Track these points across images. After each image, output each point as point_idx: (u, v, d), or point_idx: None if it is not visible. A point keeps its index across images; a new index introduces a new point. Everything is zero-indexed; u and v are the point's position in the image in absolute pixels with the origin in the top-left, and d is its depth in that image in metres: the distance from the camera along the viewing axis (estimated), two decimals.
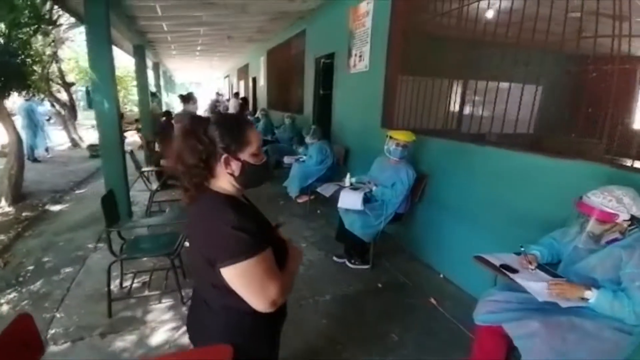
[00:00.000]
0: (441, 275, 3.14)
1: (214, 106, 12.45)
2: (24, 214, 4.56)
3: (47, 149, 8.39)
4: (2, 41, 4.06)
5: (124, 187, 4.31)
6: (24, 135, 6.75)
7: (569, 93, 4.01)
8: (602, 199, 1.53)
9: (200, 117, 1.07)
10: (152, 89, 10.76)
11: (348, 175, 3.40)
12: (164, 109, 9.37)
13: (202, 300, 1.13)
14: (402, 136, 3.05)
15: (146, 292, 2.61)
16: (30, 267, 3.19)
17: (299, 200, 4.96)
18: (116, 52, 7.49)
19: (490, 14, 3.66)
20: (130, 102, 14.01)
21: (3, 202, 4.76)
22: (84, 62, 11.43)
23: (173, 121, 4.63)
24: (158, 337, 2.25)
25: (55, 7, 4.67)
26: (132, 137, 9.61)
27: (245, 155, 1.04)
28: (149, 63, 9.60)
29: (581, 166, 2.09)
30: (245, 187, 1.09)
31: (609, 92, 3.11)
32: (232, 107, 11.47)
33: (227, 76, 20.01)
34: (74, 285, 2.82)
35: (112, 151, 4.12)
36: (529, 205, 2.34)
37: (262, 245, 0.98)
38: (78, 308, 2.53)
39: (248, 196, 1.23)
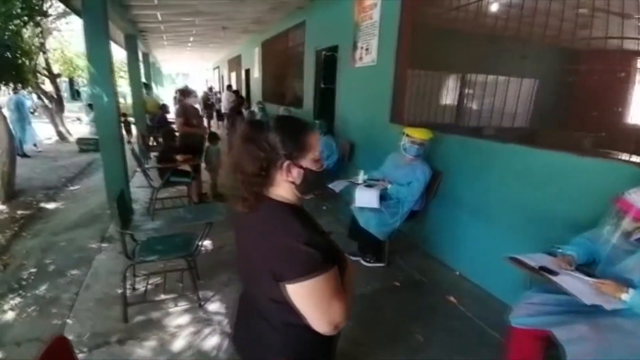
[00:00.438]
0: (457, 273, 3.13)
1: (206, 99, 12.17)
2: (18, 212, 4.38)
3: (35, 144, 8.08)
4: None
5: (125, 184, 4.16)
6: (13, 129, 6.46)
7: (565, 87, 4.08)
8: None
9: (259, 121, 0.99)
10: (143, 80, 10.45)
11: (362, 172, 3.33)
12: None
13: (259, 316, 1.07)
14: (419, 134, 3.00)
15: (162, 296, 2.52)
16: (33, 270, 3.05)
17: (305, 197, 4.87)
18: None
19: (495, 8, 3.67)
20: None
21: None
22: (69, 53, 11.07)
23: (174, 115, 4.46)
24: (179, 343, 2.17)
25: None
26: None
27: (306, 162, 0.97)
28: (139, 54, 9.28)
29: (609, 165, 2.07)
30: (304, 194, 1.03)
31: (605, 87, 3.17)
32: (225, 100, 11.24)
33: (217, 67, 19.61)
34: (82, 289, 2.70)
35: (111, 147, 3.96)
36: (552, 204, 2.32)
37: (331, 262, 0.92)
38: (90, 313, 2.43)
39: None
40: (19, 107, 7.41)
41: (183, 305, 2.53)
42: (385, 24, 3.96)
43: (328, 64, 6.00)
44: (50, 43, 9.00)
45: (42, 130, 9.68)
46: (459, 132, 3.19)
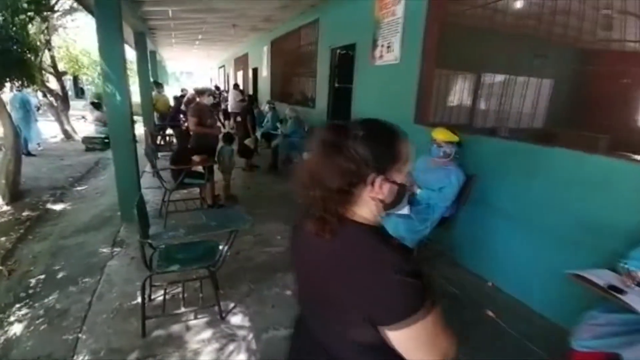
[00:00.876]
0: (490, 284, 2.95)
1: (213, 99, 12.01)
2: (24, 213, 4.22)
3: (39, 142, 7.93)
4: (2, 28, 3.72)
5: (136, 185, 4.02)
6: (18, 127, 6.31)
7: (582, 88, 3.99)
8: None
9: (342, 126, 0.81)
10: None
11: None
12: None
13: (328, 355, 0.89)
14: (441, 135, 2.82)
15: (182, 309, 2.34)
16: (41, 277, 2.89)
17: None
18: None
19: (519, 5, 3.52)
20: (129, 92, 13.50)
21: (0, 201, 4.40)
22: (74, 50, 10.93)
23: (188, 115, 4.29)
24: None
25: None
26: None
27: (399, 175, 0.80)
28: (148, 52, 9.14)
29: None
30: (389, 212, 0.86)
31: (622, 89, 3.07)
32: (232, 98, 11.07)
33: (222, 66, 19.48)
34: (95, 299, 2.53)
35: (124, 147, 3.81)
36: (607, 213, 2.14)
37: (435, 293, 0.75)
38: (105, 327, 2.26)
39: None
40: (24, 104, 7.26)
41: (204, 317, 2.36)
42: (410, 20, 3.78)
43: (342, 63, 5.85)
44: (55, 40, 8.85)
45: (47, 129, 9.55)
46: (514, 137, 2.98)
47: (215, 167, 4.53)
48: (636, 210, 1.99)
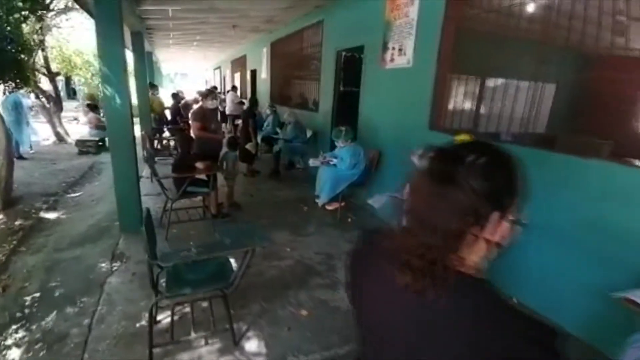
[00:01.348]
0: (514, 299, 2.80)
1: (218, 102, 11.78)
2: (17, 222, 3.99)
3: (31, 145, 7.65)
4: None
5: (136, 193, 3.81)
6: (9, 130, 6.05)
7: (585, 92, 3.97)
8: None
9: (451, 151, 0.65)
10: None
11: (408, 186, 2.98)
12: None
13: None
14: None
15: (192, 334, 2.14)
16: (36, 294, 2.67)
17: (329, 207, 4.53)
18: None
19: (532, 9, 3.41)
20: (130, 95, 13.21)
21: None
22: (67, 51, 10.65)
23: (191, 119, 4.09)
24: None
25: None
26: None
27: (514, 211, 0.64)
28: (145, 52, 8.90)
29: None
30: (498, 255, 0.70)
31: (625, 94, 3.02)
32: (230, 101, 10.86)
33: (218, 68, 19.23)
34: (95, 321, 2.33)
35: (124, 153, 3.61)
36: None
37: None
38: (108, 354, 2.06)
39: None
40: (16, 106, 6.99)
41: (216, 343, 2.17)
42: (425, 22, 3.64)
43: (348, 66, 5.70)
44: (48, 40, 8.57)
45: (39, 131, 9.25)
46: (540, 146, 2.84)
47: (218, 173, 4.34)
48: None
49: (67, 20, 8.12)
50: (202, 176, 3.96)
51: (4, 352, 2.12)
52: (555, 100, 4.07)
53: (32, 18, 4.43)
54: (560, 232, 2.49)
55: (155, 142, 6.94)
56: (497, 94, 3.59)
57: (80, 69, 11.52)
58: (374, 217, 4.41)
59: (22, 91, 6.37)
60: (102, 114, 9.42)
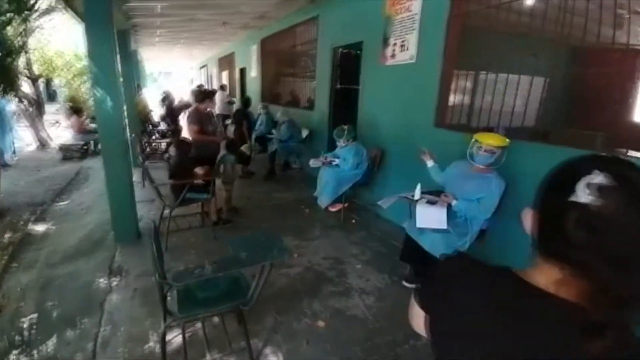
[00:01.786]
0: None
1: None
2: (6, 235, 3.74)
3: (14, 152, 7.30)
4: None
5: (131, 202, 3.63)
6: None
7: (575, 85, 3.99)
8: None
9: None
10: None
11: (418, 186, 2.87)
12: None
13: None
14: (493, 140, 2.57)
15: (207, 356, 2.00)
16: (33, 316, 2.48)
17: (332, 209, 4.41)
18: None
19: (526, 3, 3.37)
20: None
21: None
22: (49, 52, 10.21)
23: (187, 122, 3.88)
24: None
25: None
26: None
27: None
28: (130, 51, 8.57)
29: None
30: None
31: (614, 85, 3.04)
32: (219, 100, 10.59)
33: (205, 66, 18.84)
34: (99, 346, 2.16)
35: (117, 159, 3.43)
36: None
37: None
38: None
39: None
40: (0, 113, 6.64)
41: None
42: (429, 16, 3.53)
43: (345, 63, 5.56)
44: (30, 43, 8.19)
45: (22, 136, 8.87)
46: (555, 142, 2.76)
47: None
48: None
49: (50, 21, 7.74)
50: (200, 181, 3.79)
51: None
52: (556, 94, 4.06)
53: (17, 20, 4.16)
54: None
55: (146, 145, 6.70)
56: (508, 89, 3.51)
57: (62, 70, 11.08)
58: (379, 217, 4.32)
59: (7, 96, 6.02)
60: (85, 117, 9.07)
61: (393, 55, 4.08)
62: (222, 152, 4.22)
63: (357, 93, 4.92)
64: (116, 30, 6.19)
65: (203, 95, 3.97)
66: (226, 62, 13.12)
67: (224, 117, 9.83)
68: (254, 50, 9.20)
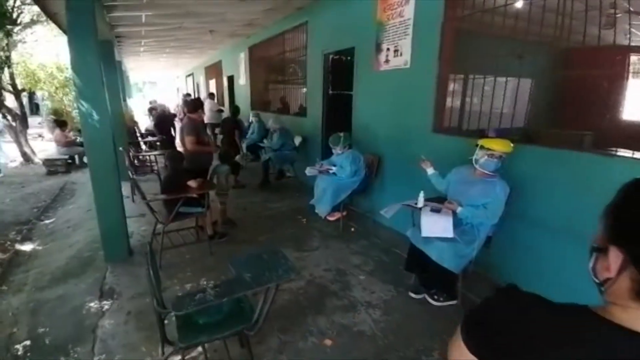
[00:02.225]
0: None
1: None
2: None
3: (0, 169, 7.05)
4: None
5: (122, 219, 3.48)
6: None
7: (561, 85, 4.02)
8: None
9: None
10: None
11: (422, 194, 2.81)
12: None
13: None
14: (500, 145, 2.52)
15: None
16: (27, 343, 2.33)
17: (330, 218, 4.32)
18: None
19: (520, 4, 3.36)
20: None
21: None
22: (31, 65, 9.98)
23: (184, 133, 3.73)
24: None
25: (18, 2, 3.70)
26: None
27: None
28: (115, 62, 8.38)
29: None
30: None
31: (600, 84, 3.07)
32: (208, 109, 10.43)
33: (191, 75, 18.64)
34: None
35: (106, 174, 3.29)
36: None
37: None
38: None
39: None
40: None
41: None
42: (422, 22, 3.50)
43: (337, 68, 5.51)
44: (12, 56, 7.98)
45: (5, 151, 8.58)
46: (563, 146, 2.70)
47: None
48: None
49: (32, 34, 7.56)
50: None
51: None
52: (545, 95, 4.08)
53: (0, 34, 4.00)
54: (583, 234, 2.37)
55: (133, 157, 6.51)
56: (500, 91, 3.49)
57: (44, 82, 10.82)
58: (378, 224, 4.24)
59: None
60: (69, 130, 8.83)
61: (387, 61, 4.03)
62: (215, 162, 4.09)
63: (350, 98, 4.86)
64: (100, 41, 6.07)
65: (195, 104, 3.84)
66: (213, 70, 12.99)
67: (213, 126, 9.69)
68: (242, 58, 9.10)
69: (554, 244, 2.59)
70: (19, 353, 2.26)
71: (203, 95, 13.48)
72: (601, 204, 2.04)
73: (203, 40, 8.06)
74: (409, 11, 3.63)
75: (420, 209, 2.75)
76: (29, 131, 11.53)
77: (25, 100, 13.68)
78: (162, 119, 8.26)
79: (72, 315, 2.60)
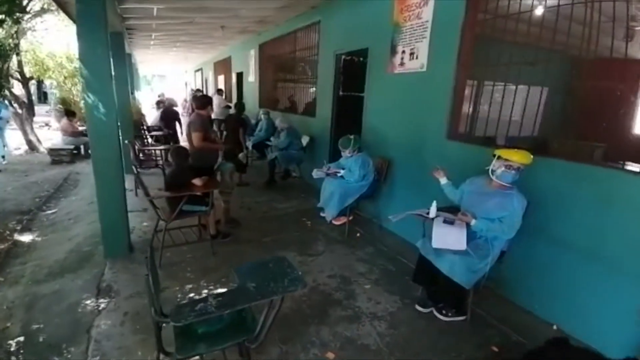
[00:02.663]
0: (554, 327, 2.56)
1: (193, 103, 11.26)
2: None
3: (3, 156, 7.01)
4: None
5: (123, 214, 3.41)
6: None
7: (574, 96, 3.90)
8: None
9: None
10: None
11: (434, 204, 2.69)
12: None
13: None
14: (518, 157, 2.40)
15: None
16: (20, 339, 2.26)
17: (336, 223, 4.21)
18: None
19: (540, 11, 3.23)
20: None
21: None
22: (41, 54, 9.97)
23: (191, 129, 3.63)
24: None
25: None
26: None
27: None
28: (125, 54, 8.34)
29: None
30: None
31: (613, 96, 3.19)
32: (216, 105, 10.36)
33: (200, 69, 18.60)
34: None
35: (109, 168, 3.22)
36: None
37: None
38: None
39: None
40: None
41: None
42: (441, 25, 3.39)
43: (349, 69, 5.40)
44: (22, 44, 7.96)
45: (10, 139, 8.56)
46: (585, 160, 2.58)
47: None
48: None
49: (42, 22, 7.52)
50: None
51: None
52: (560, 104, 3.96)
53: (9, 21, 3.94)
54: (610, 255, 2.26)
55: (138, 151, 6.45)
56: (520, 100, 3.37)
57: (53, 71, 10.82)
58: (384, 230, 4.14)
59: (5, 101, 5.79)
60: (76, 120, 8.80)
61: (402, 64, 3.92)
62: (219, 160, 4.00)
63: (360, 100, 4.76)
64: (110, 33, 6.02)
65: (204, 101, 3.75)
66: (222, 66, 12.92)
67: (220, 122, 9.62)
68: (252, 54, 9.03)
69: (570, 263, 2.47)
70: (12, 349, 2.19)
71: (211, 91, 13.43)
72: (624, 223, 1.95)
73: (214, 36, 7.99)
74: (427, 13, 3.52)
75: (432, 219, 2.64)
76: (36, 119, 11.55)
77: (33, 88, 13.73)
78: (168, 114, 8.21)
79: (68, 313, 2.52)
